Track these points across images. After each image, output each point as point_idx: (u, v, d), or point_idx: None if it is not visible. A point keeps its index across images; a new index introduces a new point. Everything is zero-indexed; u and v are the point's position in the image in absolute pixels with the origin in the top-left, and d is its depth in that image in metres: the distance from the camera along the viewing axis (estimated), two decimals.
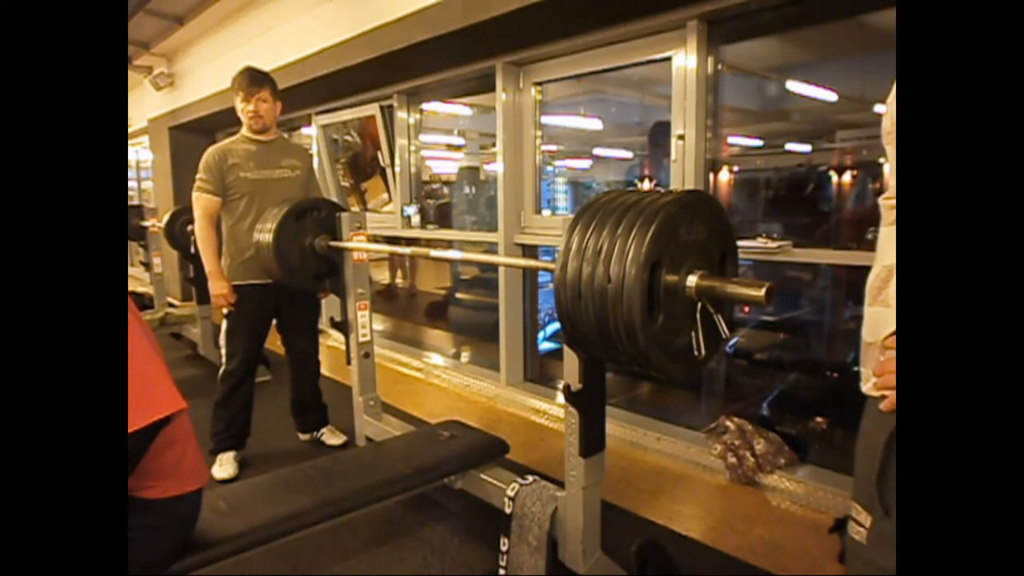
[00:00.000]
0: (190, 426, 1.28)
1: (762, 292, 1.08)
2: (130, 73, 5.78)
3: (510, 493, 1.69)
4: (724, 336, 1.22)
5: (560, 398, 2.74)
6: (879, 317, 0.83)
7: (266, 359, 3.33)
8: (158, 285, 5.06)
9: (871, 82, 2.20)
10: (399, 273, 4.88)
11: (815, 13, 2.19)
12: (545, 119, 3.16)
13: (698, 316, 1.17)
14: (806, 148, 2.53)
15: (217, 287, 2.40)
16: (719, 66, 2.39)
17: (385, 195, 4.28)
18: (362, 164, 4.52)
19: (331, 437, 2.71)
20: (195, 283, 3.80)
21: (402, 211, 3.90)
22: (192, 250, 3.33)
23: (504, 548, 1.67)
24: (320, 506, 1.60)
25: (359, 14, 3.17)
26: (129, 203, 5.93)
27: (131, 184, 8.69)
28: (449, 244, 3.78)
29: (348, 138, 4.54)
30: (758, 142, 2.63)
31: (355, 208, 4.44)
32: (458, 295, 4.34)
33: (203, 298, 3.83)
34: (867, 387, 0.85)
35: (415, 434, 2.20)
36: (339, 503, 1.65)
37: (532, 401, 3.09)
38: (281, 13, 3.93)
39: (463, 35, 2.64)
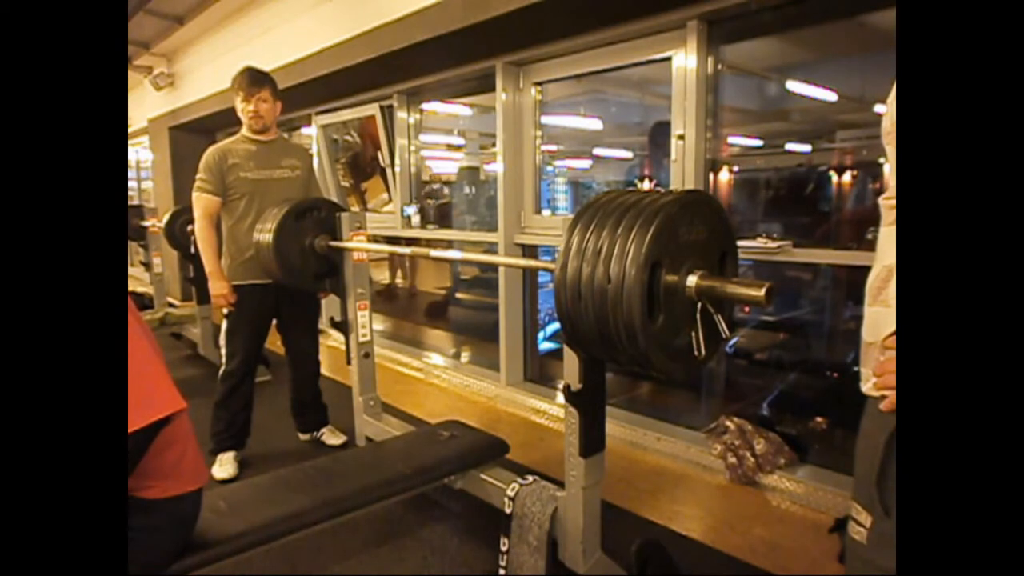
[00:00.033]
0: (190, 426, 1.28)
1: (762, 292, 1.08)
2: (130, 73, 5.78)
3: (510, 493, 1.69)
4: (724, 336, 1.22)
5: (560, 398, 2.74)
6: (879, 317, 0.83)
7: (266, 359, 3.33)
8: (158, 285, 5.06)
9: (871, 82, 2.20)
10: (399, 273, 4.88)
11: (815, 13, 2.19)
12: (545, 119, 3.15)
13: (698, 316, 1.17)
14: (806, 148, 2.53)
15: (217, 287, 2.40)
16: (719, 66, 2.39)
17: (385, 195, 4.28)
18: (362, 164, 4.52)
19: (331, 437, 2.71)
20: (195, 283, 3.80)
21: (402, 211, 3.90)
22: (192, 250, 3.33)
23: (504, 548, 1.67)
24: (320, 506, 1.60)
25: (359, 14, 3.17)
26: (129, 203, 5.93)
27: (131, 184, 8.69)
28: (449, 244, 3.78)
29: (348, 138, 4.54)
30: (758, 142, 2.63)
31: (355, 208, 4.44)
32: (458, 295, 4.34)
33: (203, 298, 3.83)
34: (867, 387, 0.85)
35: (415, 434, 2.20)
36: (339, 503, 1.65)
37: (532, 401, 3.09)
38: (281, 13, 3.93)
39: (463, 35, 2.64)
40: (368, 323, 2.43)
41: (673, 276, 1.13)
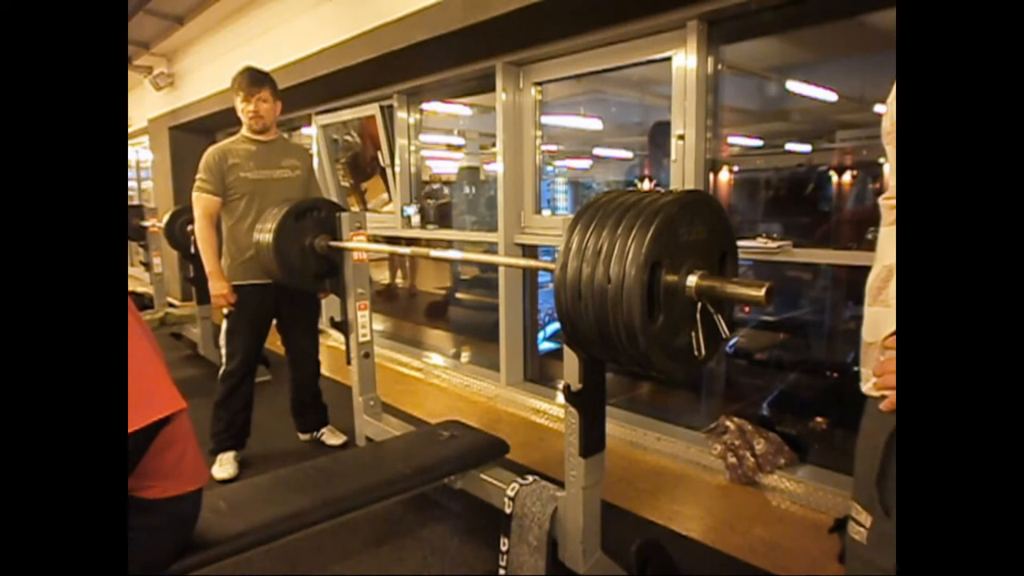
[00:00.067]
0: (190, 426, 1.28)
1: (762, 292, 1.08)
2: (130, 73, 5.78)
3: (510, 493, 1.69)
4: (724, 336, 1.22)
5: (560, 398, 2.74)
6: (879, 317, 0.83)
7: (266, 359, 3.33)
8: (158, 285, 5.06)
9: (871, 82, 2.20)
10: (399, 273, 4.88)
11: (815, 13, 2.19)
12: (545, 119, 3.15)
13: (698, 316, 1.17)
14: (806, 148, 2.53)
15: (217, 287, 2.40)
16: (719, 66, 2.39)
17: (385, 195, 4.28)
18: (362, 164, 4.52)
19: (331, 437, 2.71)
20: (195, 283, 3.80)
21: (402, 211, 3.90)
22: (192, 250, 3.33)
23: (504, 548, 1.67)
24: (320, 506, 1.60)
25: (359, 14, 3.17)
26: (129, 203, 5.93)
27: (131, 184, 8.69)
28: (449, 244, 3.78)
29: (348, 138, 4.54)
30: (758, 142, 2.63)
31: (355, 208, 4.44)
32: (458, 295, 4.34)
33: (203, 298, 3.83)
34: (867, 387, 0.85)
35: (415, 434, 2.20)
36: (339, 503, 1.65)
37: (532, 401, 3.09)
38: (281, 13, 3.93)
39: (463, 35, 2.64)
40: (368, 323, 2.43)
41: (673, 276, 1.13)
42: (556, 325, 3.23)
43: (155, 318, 4.87)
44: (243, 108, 2.41)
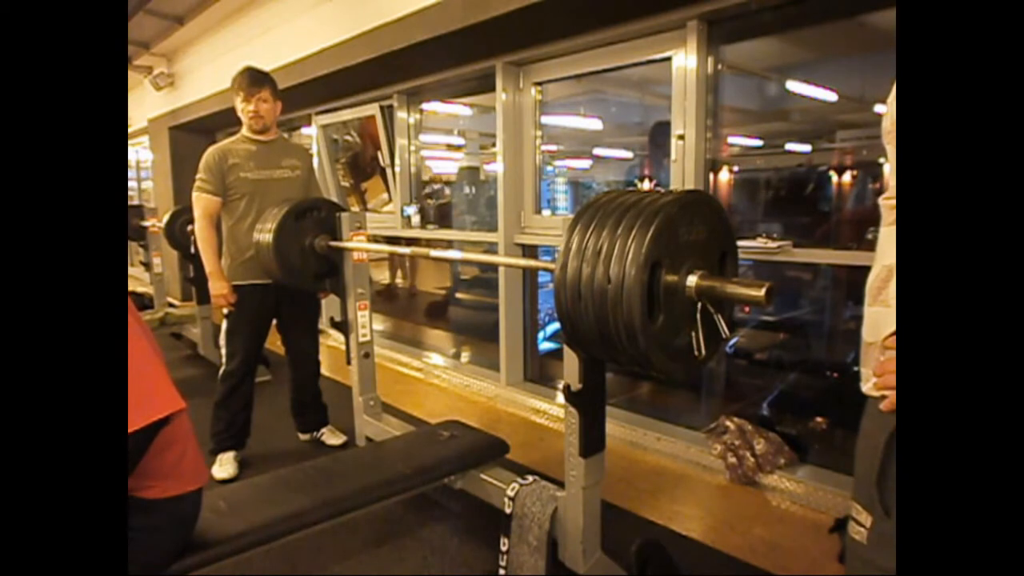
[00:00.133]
0: (190, 426, 1.28)
1: (762, 292, 1.08)
2: (130, 73, 5.78)
3: (510, 493, 1.69)
4: (724, 336, 1.22)
5: (560, 398, 2.74)
6: (879, 317, 0.83)
7: (266, 359, 3.33)
8: (158, 285, 5.06)
9: (871, 82, 2.20)
10: (399, 273, 4.88)
11: (815, 13, 2.19)
12: (545, 119, 3.15)
13: (698, 316, 1.17)
14: (806, 148, 2.53)
15: (217, 287, 2.40)
16: (719, 66, 2.39)
17: (385, 195, 4.28)
18: (362, 164, 4.52)
19: (331, 437, 2.71)
20: (195, 283, 3.80)
21: (402, 211, 3.90)
22: (192, 250, 3.33)
23: (504, 548, 1.67)
24: (320, 506, 1.60)
25: (359, 14, 3.17)
26: (129, 203, 5.93)
27: (131, 184, 8.69)
28: (449, 244, 3.78)
29: (348, 138, 4.54)
30: (758, 142, 2.63)
31: (355, 208, 4.44)
32: (458, 295, 4.34)
33: (203, 298, 3.83)
34: (867, 387, 0.85)
35: (415, 434, 2.20)
36: (339, 503, 1.65)
37: (532, 401, 3.08)
38: (281, 13, 3.93)
39: (463, 35, 2.64)
40: (368, 323, 2.43)
41: (673, 276, 1.13)
42: (556, 325, 3.23)
43: (155, 318, 4.87)
44: (243, 108, 2.41)
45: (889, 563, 0.73)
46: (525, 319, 3.30)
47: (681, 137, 2.43)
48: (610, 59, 2.70)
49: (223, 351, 2.47)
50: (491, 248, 3.30)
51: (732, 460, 2.26)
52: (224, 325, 2.47)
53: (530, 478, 1.74)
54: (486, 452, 1.96)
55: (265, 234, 2.25)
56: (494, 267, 3.53)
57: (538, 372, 3.37)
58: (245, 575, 1.64)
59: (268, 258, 2.26)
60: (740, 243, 1.55)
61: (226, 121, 4.98)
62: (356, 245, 2.31)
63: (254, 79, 2.40)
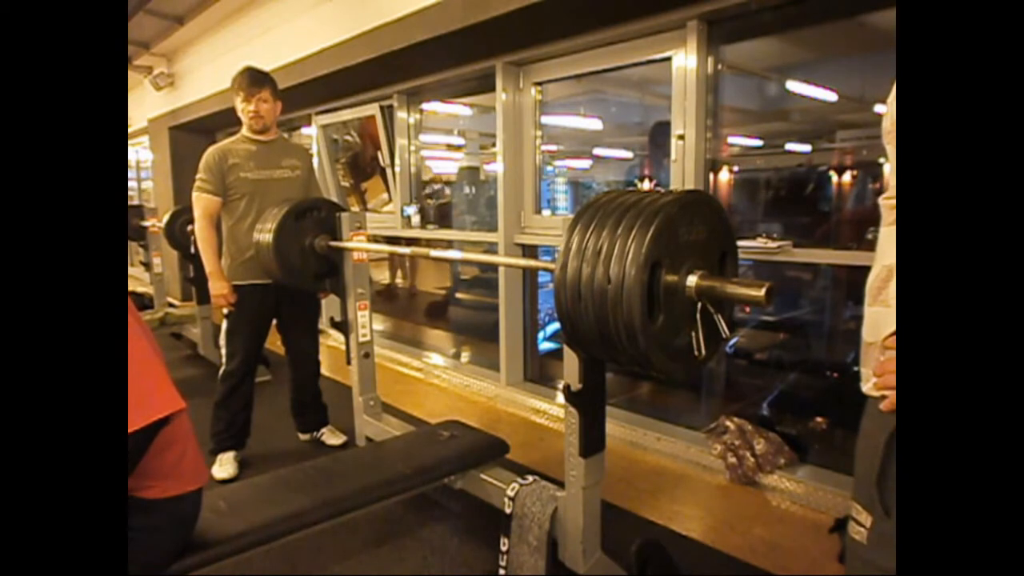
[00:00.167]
0: (190, 426, 1.28)
1: (762, 292, 1.08)
2: (130, 73, 5.78)
3: (510, 493, 1.69)
4: (724, 336, 1.22)
5: (560, 398, 2.74)
6: (879, 317, 0.83)
7: (266, 359, 3.33)
8: (158, 285, 5.06)
9: (871, 82, 2.20)
10: (399, 273, 4.89)
11: (815, 13, 2.19)
12: (545, 119, 3.15)
13: (698, 316, 1.17)
14: (806, 148, 2.53)
15: (217, 287, 2.40)
16: (719, 66, 2.39)
17: (385, 195, 4.28)
18: (362, 164, 4.52)
19: (331, 437, 2.71)
20: (195, 283, 3.80)
21: (402, 211, 3.90)
22: (192, 250, 3.33)
23: (504, 548, 1.67)
24: (320, 506, 1.60)
25: (359, 14, 3.17)
26: (129, 203, 5.93)
27: (131, 184, 8.69)
28: (449, 244, 3.78)
29: (348, 138, 4.54)
30: (758, 142, 2.63)
31: (355, 208, 4.44)
32: (458, 295, 4.34)
33: (203, 298, 3.83)
34: (867, 387, 0.85)
35: (415, 434, 2.20)
36: (339, 503, 1.65)
37: (532, 401, 3.08)
38: (281, 13, 3.93)
39: (463, 35, 2.64)
40: (368, 323, 2.43)
41: (673, 276, 1.13)
42: (556, 325, 3.23)
43: (155, 318, 4.87)
44: (243, 108, 2.41)
45: (889, 563, 0.73)
46: (525, 319, 3.30)
47: (681, 137, 2.43)
48: (610, 59, 2.70)
49: (223, 351, 2.47)
50: (491, 248, 3.30)
51: (732, 460, 2.26)
52: (224, 325, 2.47)
53: (530, 478, 1.74)
54: (486, 452, 1.96)
55: (265, 234, 2.25)
56: (494, 267, 3.53)
57: (538, 372, 3.37)
58: (245, 575, 1.64)
59: (268, 258, 2.26)
60: (740, 243, 1.55)
61: (226, 121, 4.98)
62: (356, 245, 2.31)
63: (254, 79, 2.40)
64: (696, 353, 1.18)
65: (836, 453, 2.28)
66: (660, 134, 2.70)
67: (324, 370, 2.77)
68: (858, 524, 0.85)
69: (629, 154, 3.55)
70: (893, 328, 0.74)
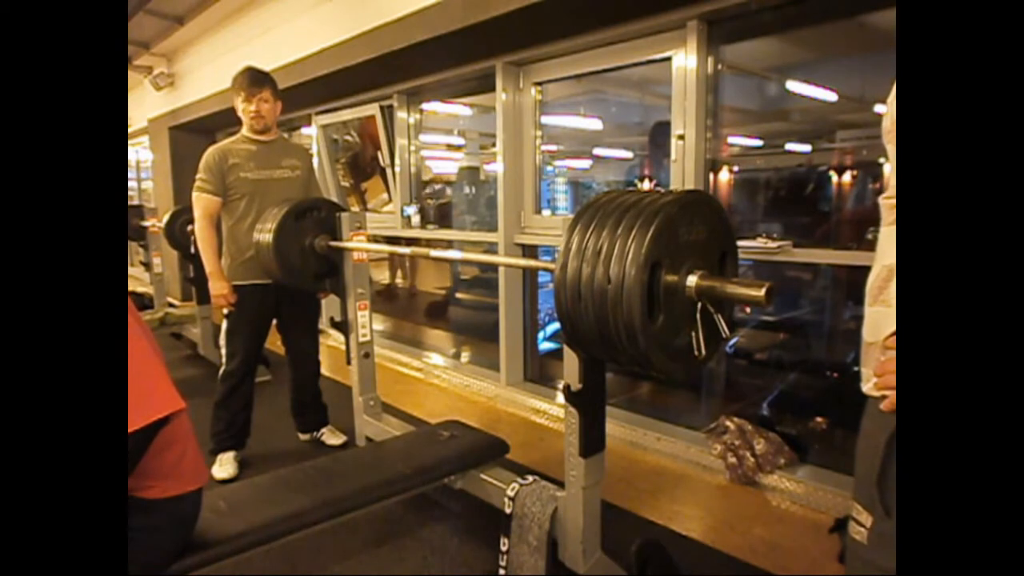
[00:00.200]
0: (190, 426, 1.28)
1: (762, 292, 1.08)
2: (130, 73, 5.78)
3: (510, 493, 1.69)
4: (724, 336, 1.22)
5: (560, 398, 2.74)
6: (879, 317, 0.83)
7: (266, 359, 3.33)
8: (158, 285, 5.06)
9: (871, 82, 2.20)
10: (399, 273, 4.88)
11: (815, 13, 2.19)
12: (545, 119, 3.15)
13: (698, 316, 1.17)
14: (806, 148, 2.53)
15: (217, 287, 2.40)
16: (719, 66, 2.39)
17: (385, 195, 4.28)
18: (362, 164, 4.52)
19: (331, 437, 2.71)
20: (195, 283, 3.80)
21: (402, 211, 3.90)
22: (192, 250, 3.33)
23: (504, 548, 1.67)
24: (320, 506, 1.60)
25: (359, 14, 3.17)
26: (129, 203, 5.93)
27: (131, 184, 8.69)
28: (449, 244, 3.78)
29: (348, 138, 4.54)
30: (758, 142, 2.63)
31: (355, 208, 4.44)
32: (458, 295, 4.34)
33: (203, 298, 3.83)
34: (867, 387, 0.85)
35: (415, 434, 2.20)
36: (339, 503, 1.65)
37: (532, 401, 3.08)
38: (281, 13, 3.93)
39: (463, 35, 2.64)
40: (368, 323, 2.43)
41: (673, 276, 1.13)
42: (556, 325, 3.23)
43: (155, 318, 4.87)
44: (244, 108, 2.41)
45: (889, 563, 0.73)
46: (525, 319, 3.30)
47: (681, 137, 2.43)
48: (610, 59, 2.70)
49: (223, 351, 2.47)
50: (491, 248, 3.30)
51: (732, 460, 2.26)
52: (224, 325, 2.47)
53: (530, 478, 1.74)
54: (486, 452, 1.96)
55: (265, 234, 2.25)
56: (494, 267, 3.53)
57: (538, 372, 3.37)
58: (245, 575, 1.64)
59: (268, 258, 2.26)
60: (740, 243, 1.55)
61: (226, 121, 4.98)
62: (356, 245, 2.31)
63: (255, 79, 2.40)
64: (696, 353, 1.18)
65: (836, 453, 2.28)
66: (660, 134, 2.70)
67: (324, 370, 2.77)
68: (858, 524, 0.85)
69: (629, 154, 3.55)
70: (893, 328, 0.74)
